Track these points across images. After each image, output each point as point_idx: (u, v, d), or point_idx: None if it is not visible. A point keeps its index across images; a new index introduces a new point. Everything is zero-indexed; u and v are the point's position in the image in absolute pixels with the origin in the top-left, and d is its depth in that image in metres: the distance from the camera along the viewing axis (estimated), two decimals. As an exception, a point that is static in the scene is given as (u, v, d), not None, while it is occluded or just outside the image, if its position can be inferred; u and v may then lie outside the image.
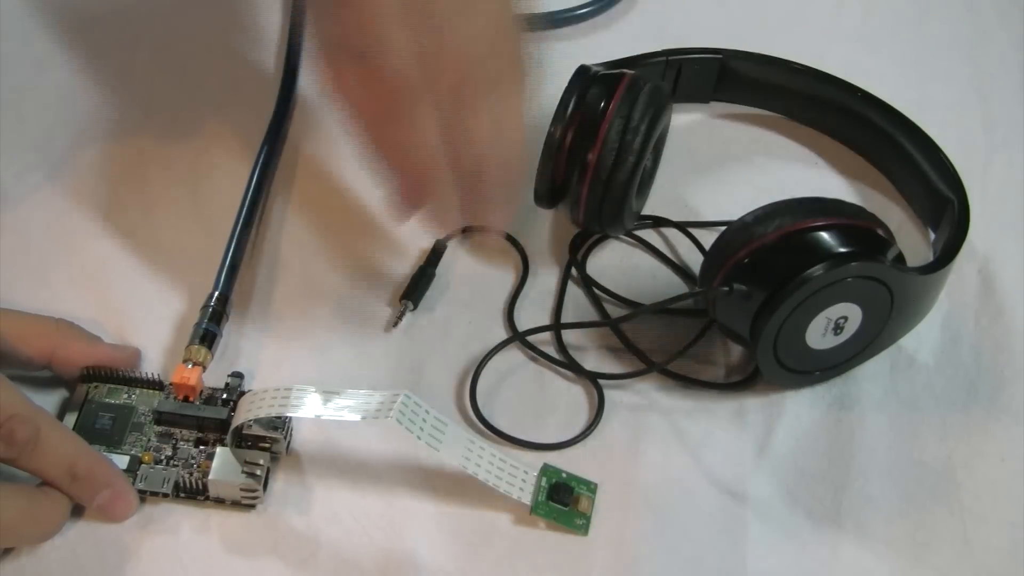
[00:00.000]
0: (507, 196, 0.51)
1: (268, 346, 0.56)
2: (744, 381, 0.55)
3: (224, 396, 0.52)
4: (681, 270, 0.60)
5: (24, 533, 0.48)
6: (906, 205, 0.63)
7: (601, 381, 0.55)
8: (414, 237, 0.60)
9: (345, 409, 0.47)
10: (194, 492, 0.50)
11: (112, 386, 0.53)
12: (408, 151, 0.48)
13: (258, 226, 0.60)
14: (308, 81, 0.67)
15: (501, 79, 0.47)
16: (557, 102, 0.55)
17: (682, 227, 0.61)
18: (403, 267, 0.59)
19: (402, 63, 0.45)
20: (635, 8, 0.74)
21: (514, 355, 0.56)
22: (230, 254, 0.57)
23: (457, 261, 0.60)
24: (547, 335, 0.57)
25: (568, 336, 0.57)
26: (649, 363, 0.56)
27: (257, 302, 0.58)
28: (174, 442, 0.51)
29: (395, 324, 0.56)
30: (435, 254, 0.59)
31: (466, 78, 0.46)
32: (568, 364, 0.56)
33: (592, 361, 0.56)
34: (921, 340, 0.57)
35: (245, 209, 0.59)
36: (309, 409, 0.47)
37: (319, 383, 0.48)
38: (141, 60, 0.67)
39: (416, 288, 0.57)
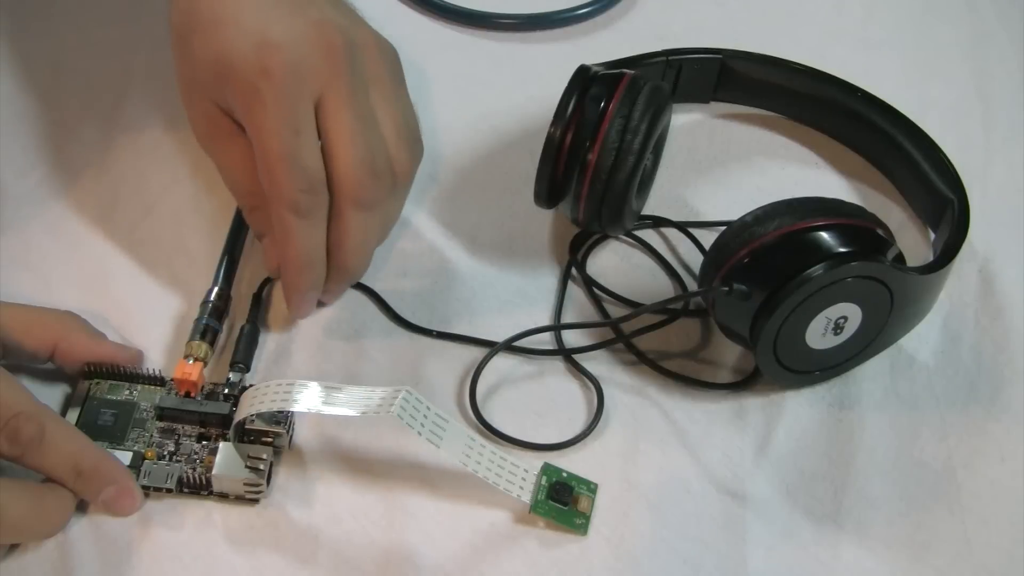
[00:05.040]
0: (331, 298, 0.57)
1: (269, 342, 0.56)
2: (744, 381, 0.56)
3: (226, 391, 0.52)
4: (680, 270, 0.60)
5: (30, 530, 0.48)
6: (906, 205, 0.63)
7: (602, 383, 0.55)
8: (415, 235, 0.60)
9: (347, 404, 0.47)
10: (198, 487, 0.50)
11: (113, 382, 0.53)
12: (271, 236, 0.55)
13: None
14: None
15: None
16: (557, 102, 0.55)
17: (682, 227, 0.61)
18: (401, 265, 0.59)
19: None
20: (635, 8, 0.74)
21: (514, 355, 0.56)
22: (230, 250, 0.58)
23: (458, 262, 0.60)
24: (547, 335, 0.57)
25: (568, 336, 0.57)
26: (618, 332, 0.56)
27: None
28: (176, 438, 0.52)
29: (238, 394, 0.52)
30: (256, 306, 0.56)
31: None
32: (570, 364, 0.56)
33: (593, 361, 0.56)
34: (921, 340, 0.57)
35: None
36: (311, 404, 0.47)
37: (320, 380, 0.48)
38: (142, 59, 0.67)
39: (245, 350, 0.54)
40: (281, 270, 0.54)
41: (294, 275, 0.54)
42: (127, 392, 0.53)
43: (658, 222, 0.62)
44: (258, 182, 0.53)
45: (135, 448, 0.51)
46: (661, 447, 0.53)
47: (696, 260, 0.60)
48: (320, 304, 0.57)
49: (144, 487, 0.50)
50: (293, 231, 0.52)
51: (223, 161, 0.55)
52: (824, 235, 0.51)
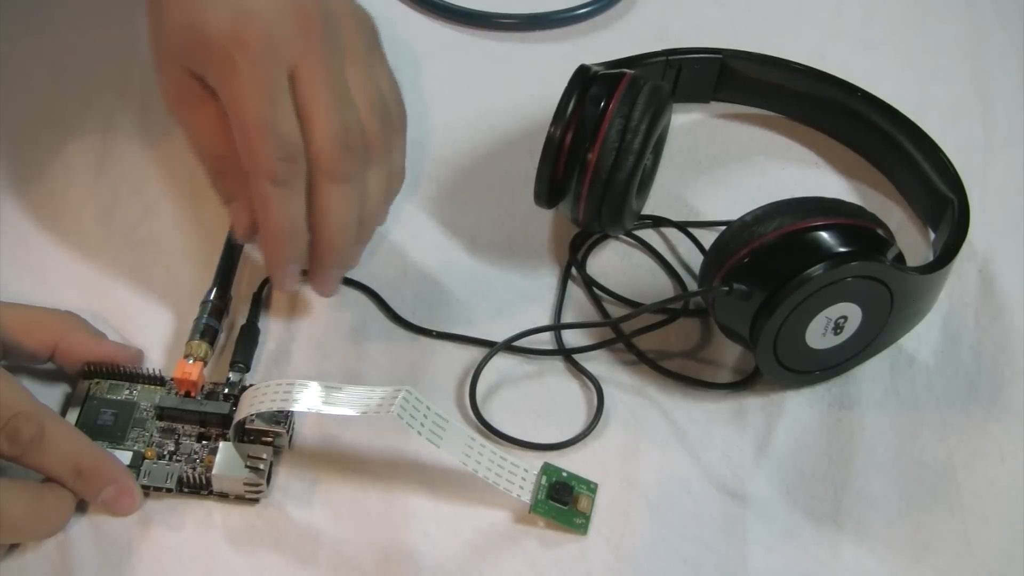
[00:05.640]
0: (338, 273, 0.56)
1: (269, 342, 0.56)
2: (744, 381, 0.56)
3: (226, 391, 0.52)
4: (681, 270, 0.60)
5: (30, 530, 0.48)
6: (906, 205, 0.63)
7: (602, 383, 0.55)
8: (412, 232, 0.60)
9: (347, 404, 0.47)
10: (198, 487, 0.50)
11: (113, 382, 0.53)
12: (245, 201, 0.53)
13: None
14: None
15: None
16: (557, 102, 0.55)
17: (682, 227, 0.61)
18: (401, 265, 0.59)
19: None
20: (635, 8, 0.74)
21: (514, 355, 0.56)
22: (230, 250, 0.58)
23: (458, 262, 0.60)
24: (547, 335, 0.57)
25: (568, 336, 0.57)
26: (618, 332, 0.56)
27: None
28: (176, 437, 0.51)
29: (238, 393, 0.52)
30: (255, 305, 0.57)
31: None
32: (570, 364, 0.56)
33: (593, 361, 0.56)
34: (921, 340, 0.57)
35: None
36: (311, 404, 0.48)
37: (320, 380, 0.48)
38: (141, 58, 0.67)
39: (244, 350, 0.55)
40: (261, 243, 0.53)
41: (275, 247, 0.53)
42: (127, 392, 0.53)
43: (658, 222, 0.62)
44: (225, 147, 0.52)
45: (135, 448, 0.51)
46: (661, 447, 0.53)
47: (696, 260, 0.60)
48: (318, 292, 0.56)
49: (144, 487, 0.50)
50: (272, 201, 0.51)
51: (191, 126, 0.54)
52: (824, 235, 0.51)
